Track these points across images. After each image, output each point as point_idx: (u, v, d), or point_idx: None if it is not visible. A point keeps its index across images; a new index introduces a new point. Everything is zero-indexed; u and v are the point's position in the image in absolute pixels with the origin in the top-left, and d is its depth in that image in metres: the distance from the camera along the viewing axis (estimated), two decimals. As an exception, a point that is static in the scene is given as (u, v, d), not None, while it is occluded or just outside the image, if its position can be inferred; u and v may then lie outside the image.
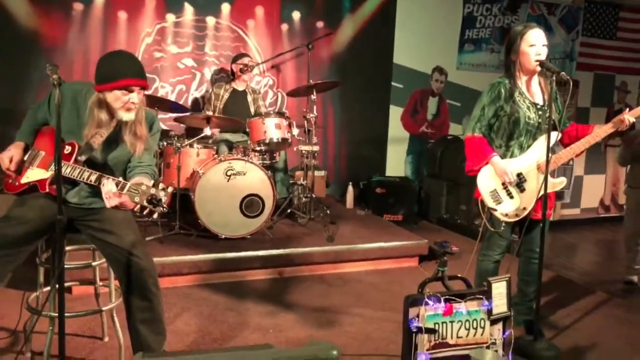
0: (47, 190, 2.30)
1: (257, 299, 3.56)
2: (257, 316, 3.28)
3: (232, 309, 3.37)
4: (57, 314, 2.18)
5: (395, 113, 6.30)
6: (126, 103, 2.27)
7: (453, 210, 5.89)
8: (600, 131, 2.86)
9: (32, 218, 2.25)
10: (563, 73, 2.70)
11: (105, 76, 2.25)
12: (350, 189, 5.56)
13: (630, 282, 4.31)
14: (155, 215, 2.07)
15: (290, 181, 5.03)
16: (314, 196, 4.59)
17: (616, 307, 3.76)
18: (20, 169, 2.39)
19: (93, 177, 2.22)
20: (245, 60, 4.85)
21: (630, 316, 3.60)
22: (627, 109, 2.86)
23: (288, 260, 3.98)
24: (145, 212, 2.06)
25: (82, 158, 2.31)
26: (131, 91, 2.26)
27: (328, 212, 4.56)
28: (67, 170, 2.25)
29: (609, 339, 3.21)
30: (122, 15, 5.03)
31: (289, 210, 4.58)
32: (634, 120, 2.85)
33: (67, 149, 2.30)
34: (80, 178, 2.25)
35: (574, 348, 3.05)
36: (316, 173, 4.96)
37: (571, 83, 2.66)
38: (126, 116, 2.30)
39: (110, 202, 2.12)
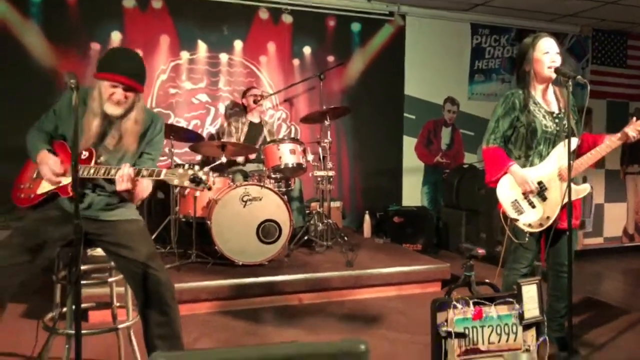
0: (70, 193, 2.28)
1: (276, 325, 3.46)
2: (278, 340, 3.17)
3: (252, 334, 3.27)
4: (73, 331, 2.15)
5: (409, 143, 6.30)
6: (111, 95, 2.31)
7: (473, 239, 5.78)
8: (611, 142, 2.81)
9: (51, 230, 2.24)
10: (579, 77, 2.68)
11: (100, 64, 2.35)
12: (367, 218, 5.50)
13: None
14: (197, 194, 2.14)
15: (306, 211, 4.99)
16: (330, 222, 4.53)
17: (652, 324, 3.60)
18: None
19: (113, 171, 2.24)
20: (255, 91, 4.92)
21: (667, 333, 3.44)
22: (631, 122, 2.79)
23: (307, 286, 3.89)
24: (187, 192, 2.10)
25: (102, 160, 2.35)
26: (116, 86, 2.29)
27: (346, 238, 4.48)
28: (90, 171, 2.26)
29: (647, 356, 3.05)
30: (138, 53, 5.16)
31: (306, 238, 4.52)
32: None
33: (85, 154, 2.30)
34: (104, 175, 2.26)
35: (611, 365, 2.91)
36: (332, 204, 4.92)
37: (589, 87, 2.65)
38: (110, 109, 2.33)
39: (122, 185, 2.17)
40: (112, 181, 2.26)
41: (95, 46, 5.03)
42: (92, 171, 2.27)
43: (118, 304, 2.72)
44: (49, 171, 2.29)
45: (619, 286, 5.55)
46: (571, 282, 2.75)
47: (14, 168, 4.67)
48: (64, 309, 2.57)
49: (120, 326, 2.52)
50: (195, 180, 2.09)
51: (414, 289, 4.21)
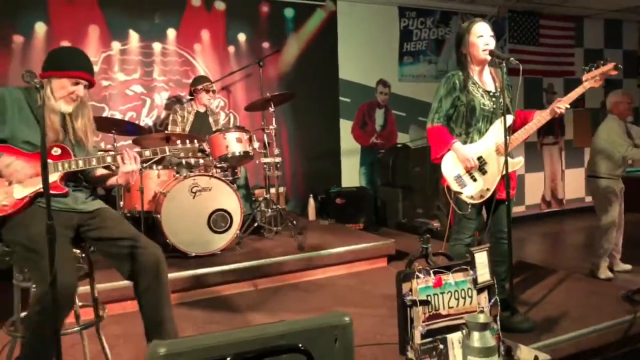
0: (64, 189, 2.32)
1: (237, 311, 3.52)
2: (242, 326, 3.24)
3: (215, 322, 3.32)
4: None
5: (345, 126, 6.48)
6: (70, 94, 2.34)
7: (410, 214, 6.07)
8: (541, 117, 3.08)
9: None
10: (512, 59, 2.92)
11: (58, 64, 2.32)
12: (311, 201, 5.63)
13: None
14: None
15: (252, 198, 5.04)
16: (279, 207, 4.62)
17: (577, 281, 3.98)
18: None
19: (109, 158, 2.33)
20: (207, 83, 4.89)
21: (591, 287, 3.82)
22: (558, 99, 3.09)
23: (261, 272, 3.97)
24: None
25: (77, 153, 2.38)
26: (78, 84, 2.34)
27: (295, 222, 4.59)
28: (79, 163, 2.31)
29: (576, 307, 3.38)
30: (66, 45, 4.94)
31: (255, 225, 4.58)
32: (568, 107, 3.08)
33: (57, 151, 2.27)
34: (97, 164, 2.33)
35: (547, 318, 3.20)
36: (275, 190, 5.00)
37: (521, 67, 2.88)
38: (64, 107, 2.36)
39: (131, 166, 2.28)
40: (82, 175, 2.33)
41: (19, 38, 4.78)
42: (80, 163, 2.31)
43: (80, 304, 2.69)
44: (23, 175, 2.24)
45: (543, 248, 6.06)
46: (511, 247, 3.02)
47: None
48: (23, 314, 2.52)
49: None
50: (203, 152, 2.25)
51: (362, 265, 4.40)
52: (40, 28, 4.85)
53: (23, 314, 2.50)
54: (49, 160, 2.27)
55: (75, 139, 2.42)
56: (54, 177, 2.30)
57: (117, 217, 2.49)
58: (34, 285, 2.27)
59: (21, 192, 2.27)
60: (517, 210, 7.65)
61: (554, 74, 7.98)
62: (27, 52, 4.80)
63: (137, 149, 2.41)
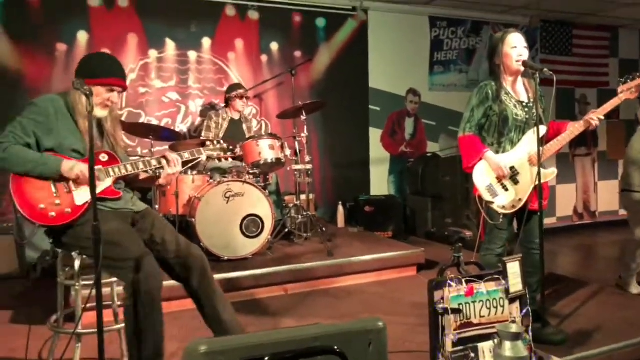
0: (119, 193, 2.45)
1: (267, 315, 3.58)
2: (272, 329, 3.29)
3: (250, 324, 3.37)
4: (87, 331, 2.23)
5: (375, 135, 6.52)
6: (106, 100, 2.41)
7: (439, 224, 6.06)
8: (574, 129, 3.06)
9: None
10: (546, 69, 2.92)
11: (94, 72, 2.38)
12: (340, 208, 5.68)
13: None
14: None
15: (283, 205, 5.11)
16: (309, 214, 4.67)
17: (611, 295, 3.92)
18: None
19: (154, 161, 2.46)
20: (241, 90, 5.00)
21: (624, 301, 3.77)
22: (592, 111, 3.08)
23: (291, 277, 4.02)
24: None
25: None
26: (113, 90, 2.42)
27: (324, 229, 4.64)
28: (128, 168, 2.42)
29: (609, 321, 3.34)
30: (103, 52, 5.11)
31: (286, 230, 4.64)
32: (602, 118, 3.06)
33: (104, 157, 2.37)
34: (144, 168, 2.46)
35: (579, 331, 3.17)
36: (305, 197, 5.05)
37: (555, 78, 2.88)
38: (100, 113, 2.44)
39: (174, 169, 2.44)
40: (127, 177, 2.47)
41: (62, 47, 4.97)
42: (129, 167, 2.42)
43: (119, 303, 2.78)
44: (86, 179, 2.29)
45: (574, 261, 5.96)
46: (543, 258, 3.01)
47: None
48: (66, 311, 2.63)
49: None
50: (231, 150, 2.52)
51: (391, 274, 4.42)
52: (82, 36, 5.04)
53: (66, 311, 2.61)
54: (100, 167, 2.38)
55: (110, 143, 2.52)
56: (107, 182, 2.40)
57: (162, 219, 2.61)
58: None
59: (82, 198, 2.33)
60: (548, 221, 7.55)
61: (588, 84, 7.87)
62: (69, 59, 4.99)
63: (174, 154, 2.52)
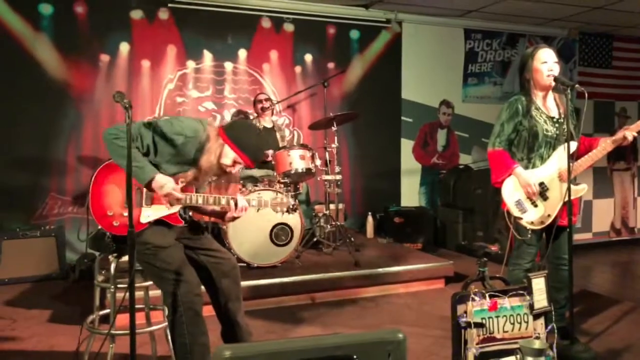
0: (182, 222, 2.52)
1: (294, 323, 3.65)
2: (298, 337, 3.35)
3: (272, 332, 3.45)
4: (120, 332, 2.34)
5: (406, 146, 6.53)
6: (227, 167, 2.50)
7: (470, 237, 6.02)
8: (606, 145, 3.03)
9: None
10: (577, 85, 2.91)
11: (239, 141, 2.46)
12: (370, 219, 5.70)
13: None
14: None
15: (312, 214, 5.18)
16: (339, 224, 4.73)
17: (644, 314, 3.84)
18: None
19: (223, 200, 2.50)
20: (261, 96, 5.12)
21: (659, 321, 3.68)
22: (626, 127, 3.03)
23: (319, 286, 4.08)
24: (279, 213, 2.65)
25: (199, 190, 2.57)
26: (238, 164, 2.50)
27: (352, 239, 4.68)
28: (199, 200, 2.45)
29: (641, 341, 3.28)
30: (146, 63, 5.33)
31: (315, 240, 4.70)
32: (635, 134, 3.02)
33: (182, 182, 2.45)
34: (213, 204, 2.51)
35: (610, 350, 3.13)
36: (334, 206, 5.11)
37: (586, 94, 2.86)
38: (215, 172, 2.52)
39: (240, 213, 2.51)
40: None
41: (105, 57, 5.18)
42: (200, 200, 2.45)
43: (152, 306, 2.89)
44: (171, 197, 2.40)
45: (609, 278, 5.81)
46: (572, 275, 2.98)
47: (29, 177, 4.86)
48: (102, 312, 2.75)
49: (155, 327, 2.67)
50: (292, 209, 2.61)
51: (419, 286, 4.42)
52: (124, 47, 5.24)
53: (102, 313, 2.73)
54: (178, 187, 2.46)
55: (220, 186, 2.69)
56: (175, 208, 2.48)
57: (211, 238, 2.74)
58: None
59: (147, 216, 2.42)
60: (583, 237, 7.39)
61: (628, 97, 7.69)
62: (111, 69, 5.20)
63: (245, 202, 2.57)
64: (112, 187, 2.44)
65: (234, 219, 2.60)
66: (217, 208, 2.61)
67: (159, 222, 2.46)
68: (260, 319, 3.69)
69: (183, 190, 2.45)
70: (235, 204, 2.51)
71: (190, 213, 2.64)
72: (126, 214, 2.36)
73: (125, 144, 2.12)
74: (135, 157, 2.27)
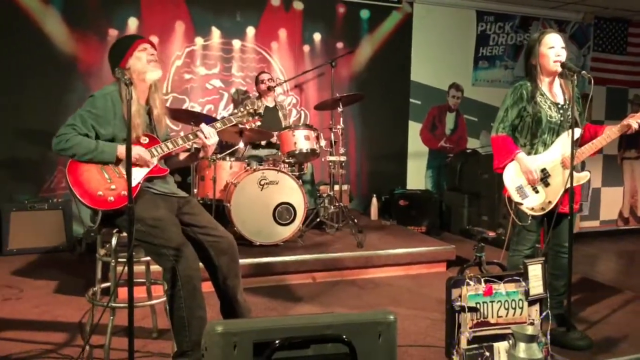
0: (166, 170, 2.63)
1: (294, 301, 3.69)
2: (297, 315, 3.40)
3: (272, 309, 3.50)
4: (119, 305, 2.39)
5: (414, 128, 6.50)
6: (151, 56, 2.57)
7: (475, 221, 6.01)
8: (611, 132, 3.00)
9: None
10: (584, 72, 2.88)
11: (123, 48, 2.57)
12: (374, 201, 5.71)
13: None
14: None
15: (317, 194, 5.20)
16: (341, 204, 4.74)
17: (645, 304, 3.84)
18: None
19: (191, 136, 2.60)
20: (264, 76, 5.09)
21: (659, 312, 3.68)
22: (631, 115, 3.00)
23: (320, 265, 4.12)
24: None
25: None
26: (145, 49, 2.58)
27: (356, 220, 4.70)
28: (169, 145, 2.59)
29: (638, 330, 3.28)
30: (154, 39, 5.28)
31: (318, 220, 4.73)
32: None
33: (144, 139, 2.56)
34: (184, 144, 2.62)
35: (606, 339, 3.13)
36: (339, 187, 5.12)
37: (592, 80, 2.83)
38: (155, 73, 2.59)
39: (212, 139, 2.57)
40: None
41: (113, 32, 5.18)
42: (170, 145, 2.59)
43: (153, 281, 2.95)
44: (144, 160, 2.54)
45: (613, 267, 5.79)
46: (571, 263, 2.98)
47: (38, 150, 4.90)
48: (103, 285, 2.80)
49: (156, 301, 2.72)
50: (258, 114, 2.70)
51: (420, 269, 4.44)
52: (132, 23, 5.24)
53: (104, 285, 2.78)
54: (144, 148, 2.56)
55: (154, 126, 2.67)
56: (153, 161, 2.57)
57: (200, 206, 2.75)
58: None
59: (134, 179, 2.46)
60: (590, 225, 7.36)
61: (642, 84, 7.58)
62: (119, 45, 5.19)
63: (208, 127, 2.64)
64: (88, 172, 2.47)
65: (208, 149, 2.63)
66: (188, 146, 2.74)
67: (146, 193, 2.53)
68: (260, 296, 3.74)
69: (148, 145, 2.58)
70: (203, 134, 2.58)
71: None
72: (114, 186, 2.45)
73: (68, 145, 2.41)
74: (89, 145, 2.44)
